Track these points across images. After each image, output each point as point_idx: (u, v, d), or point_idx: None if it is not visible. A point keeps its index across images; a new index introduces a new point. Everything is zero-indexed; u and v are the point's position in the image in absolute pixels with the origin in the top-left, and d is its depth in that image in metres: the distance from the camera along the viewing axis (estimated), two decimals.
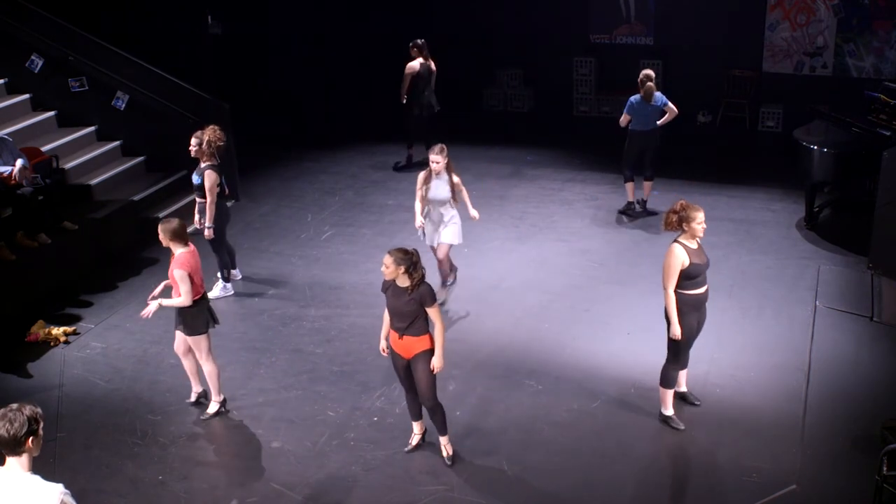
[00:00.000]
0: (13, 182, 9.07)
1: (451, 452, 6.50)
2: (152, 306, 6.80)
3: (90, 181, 10.70)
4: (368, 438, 6.82)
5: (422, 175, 8.43)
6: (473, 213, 8.60)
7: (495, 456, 6.55)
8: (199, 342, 6.89)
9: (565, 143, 13.54)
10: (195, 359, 7.10)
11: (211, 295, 9.03)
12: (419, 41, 12.00)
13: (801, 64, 13.52)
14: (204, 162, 8.56)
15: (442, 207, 8.39)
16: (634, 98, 10.17)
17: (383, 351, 6.48)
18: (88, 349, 8.24)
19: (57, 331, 8.41)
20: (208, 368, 7.02)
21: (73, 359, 8.09)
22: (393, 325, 6.25)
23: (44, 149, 10.51)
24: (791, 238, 9.99)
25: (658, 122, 10.29)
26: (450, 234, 8.48)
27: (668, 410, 6.82)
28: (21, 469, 4.00)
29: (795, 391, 7.19)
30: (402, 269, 6.06)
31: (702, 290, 6.46)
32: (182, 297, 6.67)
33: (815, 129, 10.29)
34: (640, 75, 10.16)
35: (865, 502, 5.75)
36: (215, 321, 7.00)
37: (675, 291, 6.39)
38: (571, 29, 14.61)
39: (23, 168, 9.15)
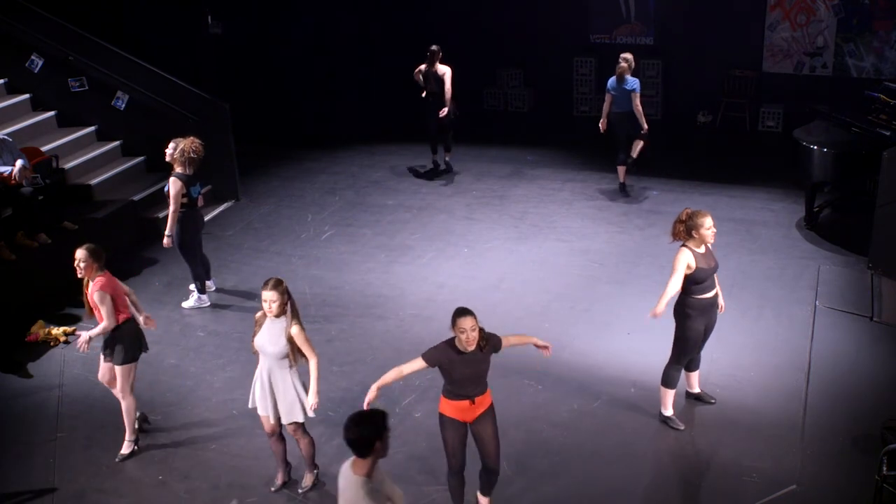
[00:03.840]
0: (13, 182, 9.06)
1: None
2: (83, 337, 6.54)
3: (90, 181, 10.70)
4: None
5: (259, 313, 6.01)
6: (312, 400, 5.94)
7: None
8: (127, 372, 6.56)
9: (565, 143, 13.55)
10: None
11: (185, 305, 9.01)
12: (433, 47, 11.79)
13: (801, 64, 13.52)
14: (175, 169, 8.51)
15: (277, 365, 5.92)
16: (610, 80, 10.81)
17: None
18: (88, 349, 8.22)
19: (57, 331, 8.42)
20: (127, 403, 6.63)
21: (73, 359, 8.08)
22: (464, 394, 5.47)
23: (44, 149, 10.52)
24: (791, 238, 9.99)
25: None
26: (292, 409, 6.03)
27: (668, 411, 6.82)
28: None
29: (795, 391, 7.19)
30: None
31: (709, 294, 6.47)
32: (105, 321, 6.41)
33: (815, 129, 10.29)
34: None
35: (865, 502, 5.76)
36: (145, 347, 6.74)
37: (685, 296, 6.41)
38: (571, 29, 14.61)
39: (23, 168, 9.15)
